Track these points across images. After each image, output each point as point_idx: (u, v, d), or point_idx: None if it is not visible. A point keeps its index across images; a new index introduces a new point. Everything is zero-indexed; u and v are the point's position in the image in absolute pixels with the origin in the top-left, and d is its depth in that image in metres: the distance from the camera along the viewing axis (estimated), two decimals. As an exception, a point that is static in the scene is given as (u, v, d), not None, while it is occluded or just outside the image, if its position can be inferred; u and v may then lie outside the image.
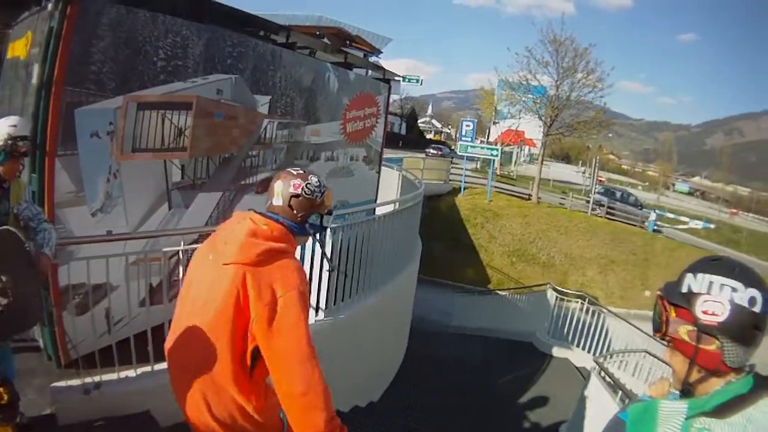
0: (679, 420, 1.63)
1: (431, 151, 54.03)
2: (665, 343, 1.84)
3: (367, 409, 8.33)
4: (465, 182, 32.17)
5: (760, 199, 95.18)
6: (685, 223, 41.58)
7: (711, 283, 1.62)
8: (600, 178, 50.14)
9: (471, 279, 25.40)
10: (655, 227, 34.55)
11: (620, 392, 7.37)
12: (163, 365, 4.69)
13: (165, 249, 4.83)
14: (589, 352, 13.21)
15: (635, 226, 33.03)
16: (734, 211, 68.78)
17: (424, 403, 9.86)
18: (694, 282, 1.67)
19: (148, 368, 4.68)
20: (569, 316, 14.17)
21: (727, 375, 1.68)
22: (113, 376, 4.51)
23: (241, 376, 2.58)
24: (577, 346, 13.79)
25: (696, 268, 1.70)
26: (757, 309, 1.57)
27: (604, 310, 13.74)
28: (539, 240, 29.26)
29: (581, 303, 13.74)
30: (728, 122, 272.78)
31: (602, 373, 8.19)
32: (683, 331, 1.69)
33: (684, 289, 1.69)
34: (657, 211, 39.72)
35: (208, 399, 2.60)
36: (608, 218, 33.29)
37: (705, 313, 1.61)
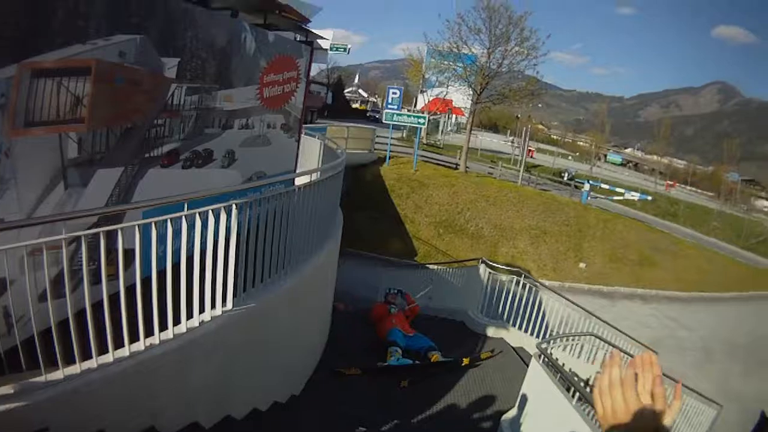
0: None
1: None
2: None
3: (288, 404, 7.74)
4: (390, 151, 32.04)
5: (696, 171, 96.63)
6: (620, 194, 41.94)
7: None
8: (530, 149, 50.44)
9: (397, 251, 25.25)
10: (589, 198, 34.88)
11: (565, 379, 6.90)
12: (72, 370, 3.99)
13: (61, 236, 3.96)
14: (525, 331, 12.82)
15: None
16: (670, 183, 69.56)
17: (348, 392, 9.33)
18: None
19: (41, 378, 3.98)
20: (503, 292, 13.56)
21: None
22: (8, 390, 3.83)
23: None
24: (513, 325, 13.28)
25: None
26: None
27: (538, 285, 13.16)
28: (467, 210, 29.11)
29: (516, 279, 13.17)
30: (665, 95, 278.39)
31: (545, 360, 7.67)
32: None
33: None
34: (590, 181, 39.99)
35: None
36: (540, 189, 33.58)
37: None
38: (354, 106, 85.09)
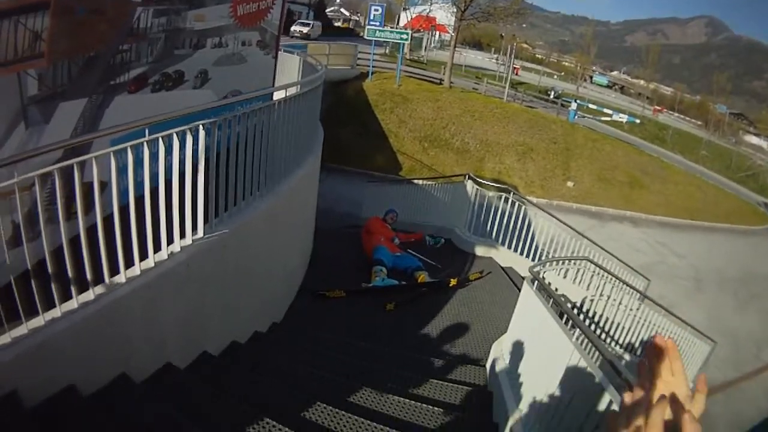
0: None
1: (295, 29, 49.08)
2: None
3: (269, 333, 7.48)
4: (373, 67, 31.80)
5: (684, 100, 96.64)
6: (608, 115, 41.80)
7: None
8: (515, 66, 50.21)
9: (381, 166, 25.19)
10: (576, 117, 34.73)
11: (557, 305, 6.61)
12: (36, 323, 3.80)
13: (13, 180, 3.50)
14: (515, 251, 12.46)
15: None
16: (658, 108, 69.28)
17: (332, 316, 9.08)
18: None
19: (6, 337, 3.62)
20: (491, 209, 13.10)
21: None
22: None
23: None
24: (502, 244, 12.93)
25: None
26: None
27: (526, 202, 12.66)
28: (452, 125, 28.96)
29: (504, 196, 12.65)
30: (651, 23, 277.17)
31: (537, 284, 7.38)
32: None
33: None
34: (578, 100, 39.75)
35: None
36: (527, 106, 33.40)
37: None
38: (336, 24, 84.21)
